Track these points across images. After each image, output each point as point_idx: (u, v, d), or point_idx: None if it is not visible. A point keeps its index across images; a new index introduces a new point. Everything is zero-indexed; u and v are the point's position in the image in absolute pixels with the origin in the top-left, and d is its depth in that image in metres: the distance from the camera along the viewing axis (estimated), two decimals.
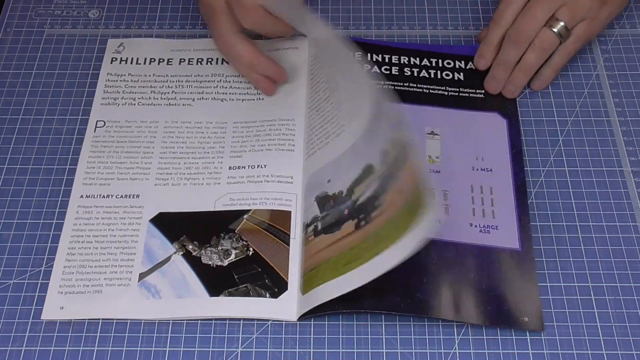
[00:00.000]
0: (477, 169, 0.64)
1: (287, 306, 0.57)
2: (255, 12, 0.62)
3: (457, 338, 0.56)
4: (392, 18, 0.75)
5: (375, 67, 0.70)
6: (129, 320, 0.57)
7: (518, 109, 0.68)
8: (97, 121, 0.67)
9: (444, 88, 0.69)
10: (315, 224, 0.60)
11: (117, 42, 0.73)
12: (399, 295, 0.56)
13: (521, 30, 0.64)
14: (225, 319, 0.57)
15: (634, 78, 0.70)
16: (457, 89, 0.69)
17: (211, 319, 0.57)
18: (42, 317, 0.57)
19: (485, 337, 0.56)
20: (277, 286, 0.58)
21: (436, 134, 0.66)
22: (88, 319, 0.57)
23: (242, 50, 0.65)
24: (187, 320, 0.57)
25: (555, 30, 0.64)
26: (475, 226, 0.61)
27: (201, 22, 0.74)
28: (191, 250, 0.60)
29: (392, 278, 0.57)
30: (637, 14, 0.75)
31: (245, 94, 0.69)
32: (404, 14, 0.75)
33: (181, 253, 0.60)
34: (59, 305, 0.57)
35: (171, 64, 0.71)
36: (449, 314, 0.56)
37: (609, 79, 0.70)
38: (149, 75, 0.70)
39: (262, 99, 0.68)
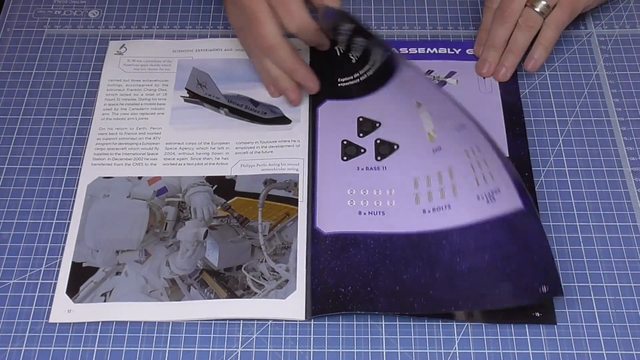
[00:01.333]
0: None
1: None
2: (301, 17, 0.60)
3: (457, 338, 0.56)
4: (392, 18, 0.75)
5: None
6: (128, 322, 0.57)
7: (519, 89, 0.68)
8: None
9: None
10: None
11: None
12: (411, 295, 0.56)
13: (505, 8, 0.66)
14: (225, 319, 0.57)
15: (634, 78, 0.70)
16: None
17: (212, 320, 0.57)
18: (50, 320, 0.57)
19: (485, 337, 0.56)
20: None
21: (421, 104, 0.63)
22: (95, 321, 0.57)
23: (286, 54, 0.63)
24: (187, 320, 0.57)
25: (537, 9, 0.65)
26: (482, 198, 0.58)
27: (201, 23, 0.74)
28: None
29: (404, 278, 0.56)
30: (637, 14, 0.75)
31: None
32: (404, 14, 0.75)
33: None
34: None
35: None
36: (467, 306, 0.55)
37: (609, 79, 0.70)
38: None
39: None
